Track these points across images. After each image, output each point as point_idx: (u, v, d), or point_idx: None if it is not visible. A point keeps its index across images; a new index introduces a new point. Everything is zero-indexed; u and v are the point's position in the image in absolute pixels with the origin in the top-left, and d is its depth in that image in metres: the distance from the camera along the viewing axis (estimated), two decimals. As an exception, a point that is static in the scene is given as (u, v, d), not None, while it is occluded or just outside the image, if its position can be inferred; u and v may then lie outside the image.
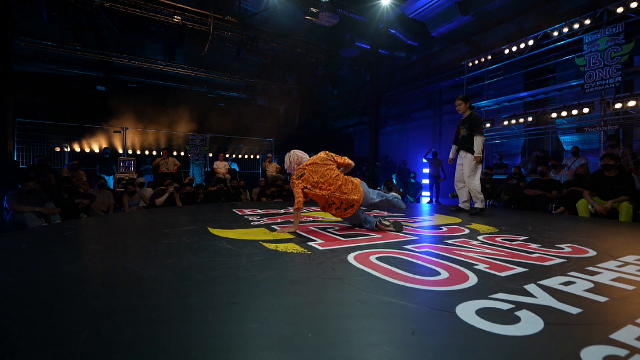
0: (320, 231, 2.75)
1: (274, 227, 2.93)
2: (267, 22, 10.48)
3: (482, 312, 1.12)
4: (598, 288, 1.39)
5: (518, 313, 1.12)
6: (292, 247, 2.11)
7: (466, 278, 1.50)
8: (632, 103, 5.26)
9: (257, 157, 14.53)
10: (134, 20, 9.09)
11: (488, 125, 7.44)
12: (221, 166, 8.45)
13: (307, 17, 8.09)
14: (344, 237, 2.47)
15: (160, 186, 6.80)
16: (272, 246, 2.14)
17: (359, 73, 12.87)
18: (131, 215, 3.94)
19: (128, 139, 11.98)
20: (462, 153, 4.22)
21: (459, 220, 3.54)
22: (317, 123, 16.07)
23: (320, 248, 2.11)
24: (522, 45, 6.84)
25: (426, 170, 11.94)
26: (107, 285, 1.36)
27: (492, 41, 8.72)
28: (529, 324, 1.03)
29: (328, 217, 3.56)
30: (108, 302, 1.18)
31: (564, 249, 2.15)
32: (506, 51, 7.19)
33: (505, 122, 7.03)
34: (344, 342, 0.93)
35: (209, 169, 12.14)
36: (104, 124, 11.78)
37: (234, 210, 4.23)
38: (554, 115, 6.24)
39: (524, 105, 8.57)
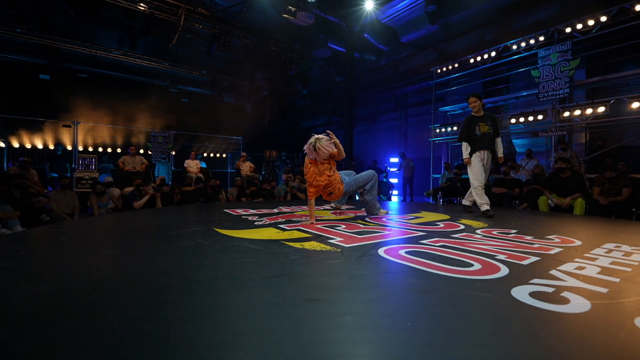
0: (330, 229, 2.80)
1: (281, 226, 2.92)
2: (236, 18, 10.19)
3: (534, 295, 1.27)
4: (605, 271, 1.63)
5: (563, 295, 1.29)
6: (318, 245, 2.14)
7: (498, 268, 1.66)
8: (577, 112, 6.03)
9: (224, 155, 14.09)
10: (90, 4, 8.31)
11: (455, 128, 8.01)
12: (193, 165, 8.07)
13: (285, 15, 8.04)
14: (359, 235, 2.56)
15: (127, 186, 6.34)
16: (297, 245, 2.15)
17: (329, 74, 13.05)
18: (116, 218, 3.64)
19: (80, 135, 10.90)
20: (485, 153, 4.02)
21: (447, 216, 3.81)
22: (285, 122, 16.00)
23: (346, 245, 2.17)
24: (486, 56, 7.50)
25: (393, 169, 12.49)
26: (166, 290, 1.30)
27: (456, 50, 9.40)
28: (579, 303, 1.20)
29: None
30: (191, 305, 1.13)
31: (553, 239, 2.45)
32: (471, 60, 7.81)
33: (471, 126, 7.65)
34: (445, 328, 1.01)
35: (173, 167, 11.53)
36: (51, 117, 10.59)
37: (226, 210, 4.10)
38: (513, 120, 6.93)
39: (482, 111, 9.37)
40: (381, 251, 2.00)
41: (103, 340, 0.90)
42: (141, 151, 11.55)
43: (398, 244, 2.22)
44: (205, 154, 13.50)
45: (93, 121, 11.41)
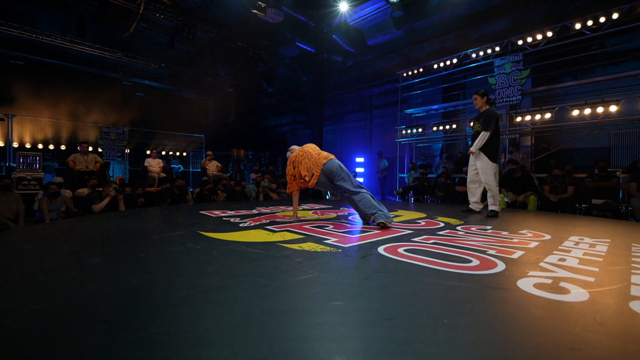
0: (319, 229, 2.79)
1: (269, 228, 2.84)
2: (199, 10, 9.70)
3: (538, 287, 1.38)
4: (583, 261, 1.82)
5: (561, 285, 1.41)
6: (316, 247, 2.12)
7: (494, 263, 1.77)
8: (528, 117, 6.65)
9: (184, 154, 13.38)
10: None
11: (420, 130, 8.41)
12: (155, 164, 7.54)
13: (254, 11, 7.83)
14: (351, 234, 2.58)
15: (79, 187, 5.74)
16: (295, 246, 2.11)
17: (296, 73, 12.97)
18: (79, 223, 3.27)
19: (16, 129, 9.67)
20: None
21: (424, 214, 3.98)
22: (250, 120, 15.61)
23: (344, 245, 2.17)
24: (448, 62, 7.97)
25: (360, 170, 12.80)
26: (180, 300, 1.20)
27: (419, 55, 9.87)
28: (579, 292, 1.32)
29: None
30: (221, 315, 1.06)
31: (526, 234, 2.68)
32: (435, 66, 8.26)
33: (435, 128, 8.10)
34: (480, 325, 1.05)
35: (129, 167, 10.72)
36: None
37: (202, 212, 3.90)
38: (471, 123, 7.44)
39: (441, 115, 9.96)
40: (381, 250, 2.04)
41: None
42: (90, 149, 10.56)
43: (393, 242, 2.28)
44: (164, 152, 12.72)
45: (32, 114, 10.17)
